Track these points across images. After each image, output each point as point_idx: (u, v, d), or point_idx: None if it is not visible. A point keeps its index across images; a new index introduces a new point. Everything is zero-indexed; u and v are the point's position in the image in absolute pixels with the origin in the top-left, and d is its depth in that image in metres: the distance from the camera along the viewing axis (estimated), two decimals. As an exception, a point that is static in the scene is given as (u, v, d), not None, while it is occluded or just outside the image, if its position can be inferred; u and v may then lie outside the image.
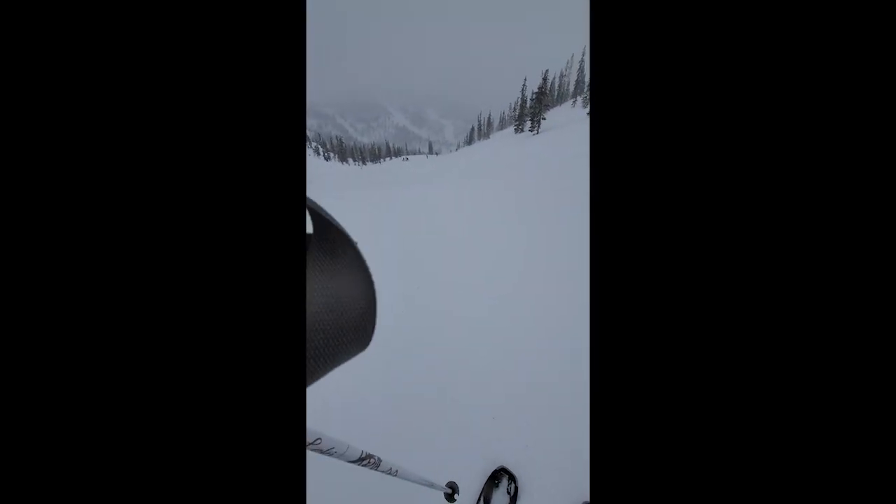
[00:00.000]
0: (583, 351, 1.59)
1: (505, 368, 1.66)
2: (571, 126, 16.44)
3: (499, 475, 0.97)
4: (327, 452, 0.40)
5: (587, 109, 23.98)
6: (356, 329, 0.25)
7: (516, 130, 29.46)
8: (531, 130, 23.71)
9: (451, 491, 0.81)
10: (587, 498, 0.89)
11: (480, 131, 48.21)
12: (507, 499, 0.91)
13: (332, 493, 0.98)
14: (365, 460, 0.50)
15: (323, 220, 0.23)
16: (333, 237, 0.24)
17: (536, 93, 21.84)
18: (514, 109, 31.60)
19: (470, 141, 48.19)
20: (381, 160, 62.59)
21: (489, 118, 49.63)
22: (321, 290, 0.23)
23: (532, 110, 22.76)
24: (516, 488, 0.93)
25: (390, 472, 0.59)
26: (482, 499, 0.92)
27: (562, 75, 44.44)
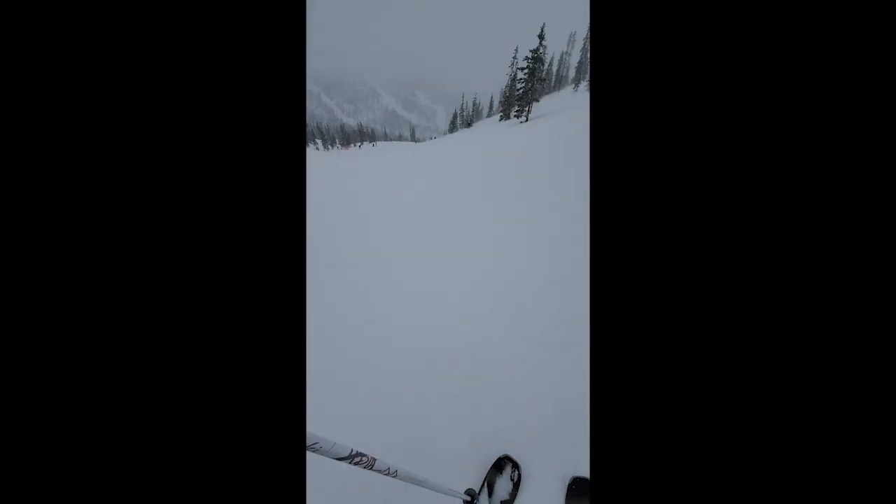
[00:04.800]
0: (576, 335, 1.64)
1: (502, 358, 1.64)
2: (568, 112, 10.77)
3: (503, 463, 1.02)
4: (310, 448, 0.40)
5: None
6: None
7: (501, 118, 23.34)
8: (518, 116, 17.71)
9: (471, 499, 0.80)
10: (579, 473, 0.99)
11: (464, 117, 41.77)
12: (510, 485, 0.98)
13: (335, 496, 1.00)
14: (356, 458, 0.50)
15: None
16: None
17: (530, 59, 15.58)
18: (505, 94, 25.45)
19: (452, 129, 41.68)
20: (356, 144, 55.43)
21: (475, 102, 43.11)
22: None
23: (523, 89, 16.57)
24: (519, 475, 1.00)
25: (388, 472, 0.57)
26: (486, 484, 0.99)
27: (563, 56, 38.16)
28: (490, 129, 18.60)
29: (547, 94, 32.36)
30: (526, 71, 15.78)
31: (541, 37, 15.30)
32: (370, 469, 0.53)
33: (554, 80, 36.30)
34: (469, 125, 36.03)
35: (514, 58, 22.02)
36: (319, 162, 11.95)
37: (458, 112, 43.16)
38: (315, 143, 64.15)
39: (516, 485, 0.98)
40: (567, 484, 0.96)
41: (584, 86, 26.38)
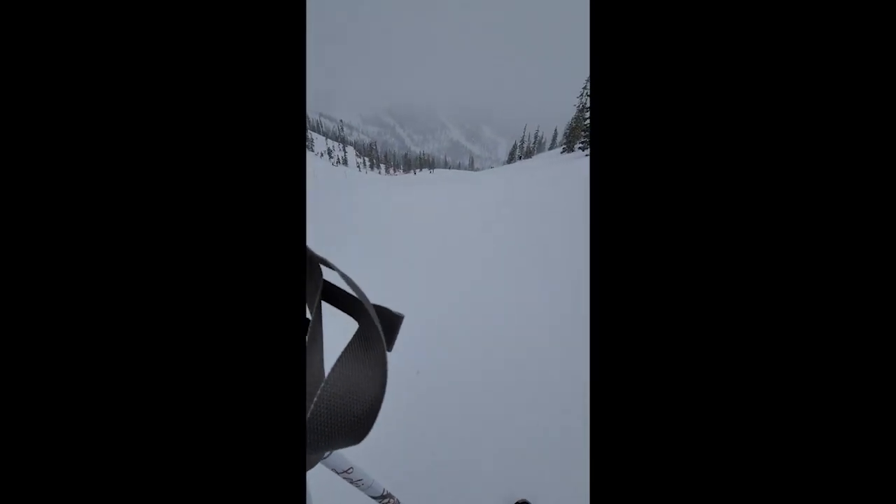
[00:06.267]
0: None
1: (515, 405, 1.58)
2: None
3: None
4: (356, 483, 0.42)
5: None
6: (358, 422, 0.25)
7: (564, 150, 21.40)
8: (583, 149, 15.66)
9: None
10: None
11: (524, 149, 40.55)
12: None
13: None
14: (385, 499, 0.51)
15: (368, 314, 0.27)
16: (373, 333, 0.27)
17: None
18: (571, 125, 23.65)
19: (510, 160, 40.67)
20: (415, 171, 58.06)
21: (537, 135, 41.79)
22: (344, 375, 0.24)
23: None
24: None
25: None
26: None
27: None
28: (550, 160, 16.94)
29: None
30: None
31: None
32: None
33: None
34: (529, 156, 34.58)
35: (585, 88, 20.30)
36: (370, 184, 11.70)
37: (518, 144, 42.23)
38: (379, 168, 68.84)
39: None
40: None
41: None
